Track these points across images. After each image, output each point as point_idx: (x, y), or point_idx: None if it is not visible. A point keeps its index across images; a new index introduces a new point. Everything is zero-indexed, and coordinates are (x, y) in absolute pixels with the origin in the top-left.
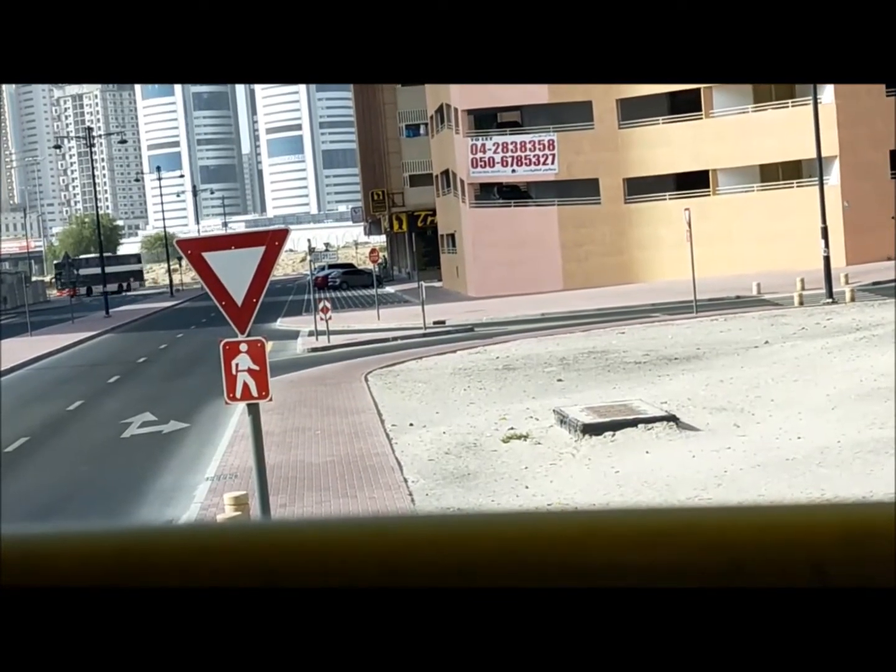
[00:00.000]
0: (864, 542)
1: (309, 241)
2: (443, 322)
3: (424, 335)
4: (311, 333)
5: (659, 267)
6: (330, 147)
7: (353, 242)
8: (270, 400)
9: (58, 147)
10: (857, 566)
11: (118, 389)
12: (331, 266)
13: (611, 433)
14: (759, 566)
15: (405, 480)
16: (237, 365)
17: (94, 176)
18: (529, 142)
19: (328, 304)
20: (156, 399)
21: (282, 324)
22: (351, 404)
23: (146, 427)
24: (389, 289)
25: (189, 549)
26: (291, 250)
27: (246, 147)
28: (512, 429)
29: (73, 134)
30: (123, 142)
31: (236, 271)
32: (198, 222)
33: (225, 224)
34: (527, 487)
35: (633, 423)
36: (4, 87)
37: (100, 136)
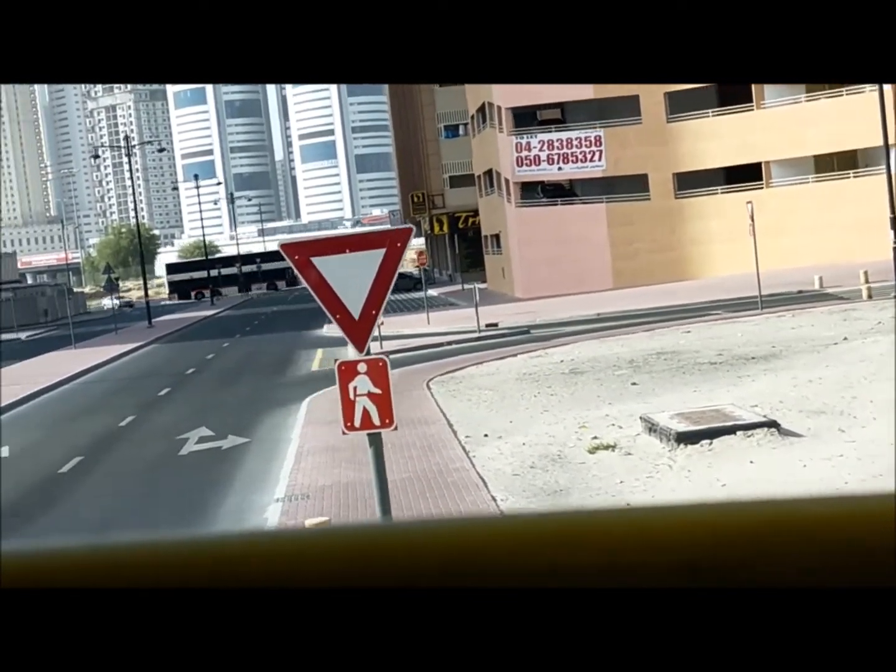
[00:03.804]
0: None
1: None
2: (495, 325)
3: (479, 339)
4: None
5: (711, 263)
6: (363, 151)
7: None
8: (395, 428)
9: (96, 157)
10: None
11: (170, 402)
12: None
13: (707, 441)
14: (767, 563)
15: (493, 498)
16: (355, 388)
17: (132, 185)
18: (575, 138)
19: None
20: (209, 412)
21: (328, 330)
22: (417, 414)
23: (204, 443)
24: (432, 292)
25: (189, 551)
26: None
27: (279, 154)
28: (596, 438)
29: (106, 144)
30: (162, 150)
31: (352, 279)
32: (234, 228)
33: (262, 231)
34: (628, 504)
35: (731, 430)
36: (38, 100)
37: (139, 144)
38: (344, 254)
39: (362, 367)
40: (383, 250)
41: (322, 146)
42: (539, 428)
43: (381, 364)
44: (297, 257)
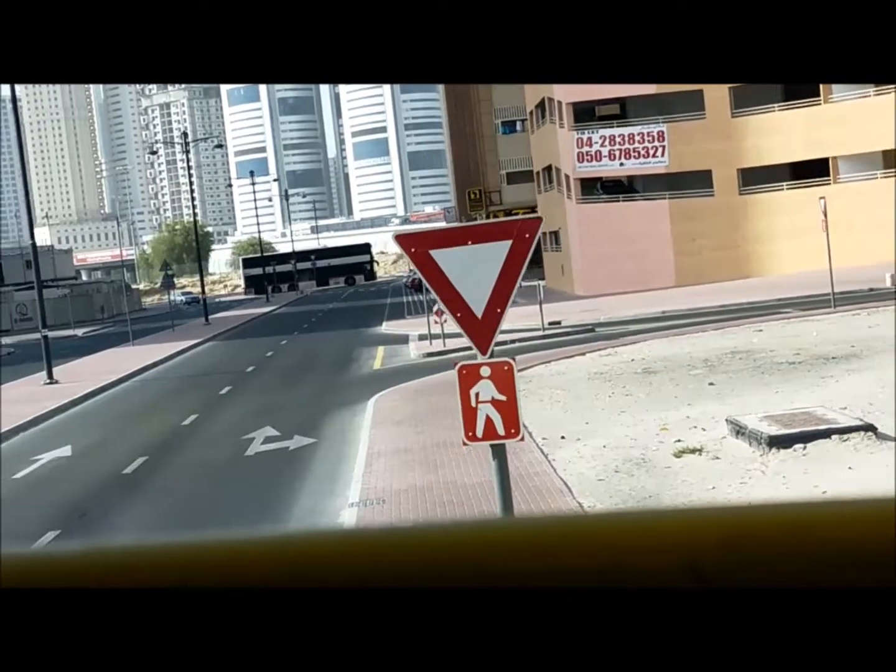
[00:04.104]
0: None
1: None
2: (558, 323)
3: (543, 337)
4: (421, 337)
5: (777, 260)
6: (416, 149)
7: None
8: (522, 439)
9: (153, 153)
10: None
11: (232, 401)
12: None
13: (801, 446)
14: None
15: (580, 505)
16: (477, 395)
17: (190, 181)
18: (638, 134)
19: (443, 308)
20: (273, 411)
21: (387, 328)
22: None
23: (270, 443)
24: None
25: (190, 552)
26: (382, 252)
27: (332, 151)
28: (679, 441)
29: (159, 142)
30: (220, 146)
31: (475, 273)
32: (289, 225)
33: (316, 228)
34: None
35: (826, 433)
36: (93, 97)
37: (196, 140)
38: (466, 246)
39: (485, 371)
40: (509, 242)
41: (375, 143)
42: (617, 430)
43: (506, 368)
44: (413, 250)
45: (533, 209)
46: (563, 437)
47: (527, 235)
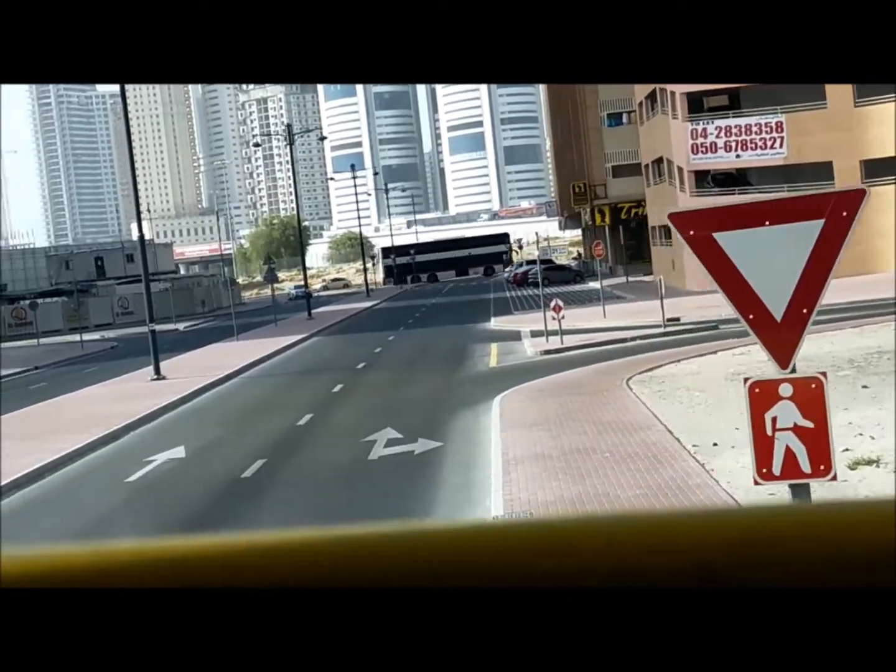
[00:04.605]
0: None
1: (537, 235)
2: (677, 319)
3: (665, 334)
4: (534, 334)
5: None
6: (511, 143)
7: (545, 238)
8: (834, 478)
9: (257, 145)
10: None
11: (345, 400)
12: (528, 262)
13: None
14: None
15: None
16: (774, 420)
17: (294, 174)
18: (755, 124)
19: (560, 303)
20: (390, 411)
21: (496, 324)
22: (627, 418)
23: (394, 446)
24: (595, 284)
25: (190, 552)
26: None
27: (427, 145)
28: (847, 450)
29: (262, 134)
30: (324, 138)
31: (774, 263)
32: (389, 218)
33: (415, 222)
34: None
35: None
36: (192, 93)
37: (300, 133)
38: (762, 227)
39: (786, 390)
40: (821, 222)
41: (470, 138)
42: None
43: (814, 386)
44: (691, 232)
45: (638, 203)
46: (715, 445)
47: (844, 213)
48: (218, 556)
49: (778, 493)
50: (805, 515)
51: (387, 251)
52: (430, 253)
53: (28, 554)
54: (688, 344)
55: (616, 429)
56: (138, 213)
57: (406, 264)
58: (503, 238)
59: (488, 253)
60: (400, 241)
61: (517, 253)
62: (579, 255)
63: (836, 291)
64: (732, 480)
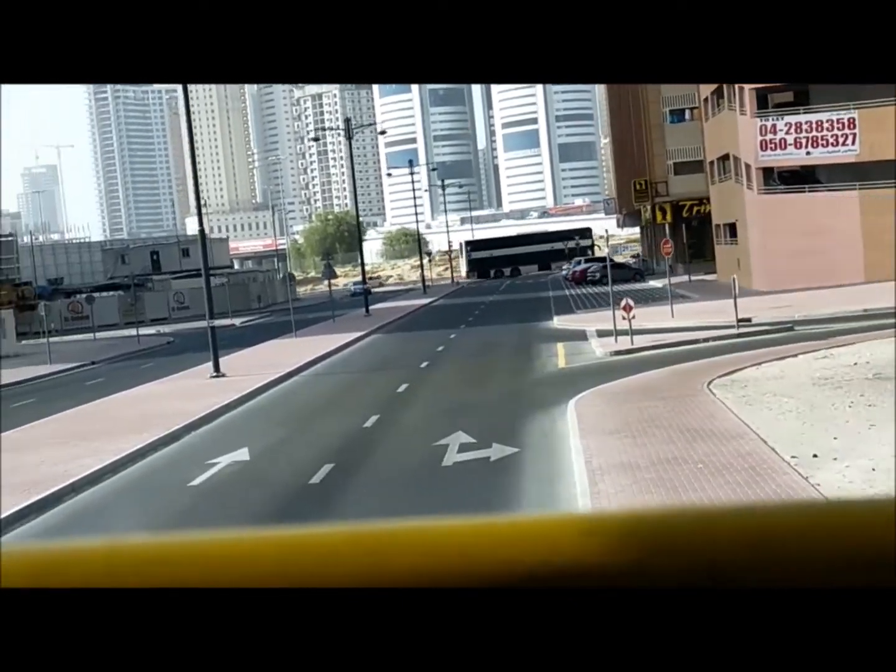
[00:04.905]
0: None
1: (606, 232)
2: (748, 320)
3: (739, 335)
4: (600, 333)
5: None
6: (566, 140)
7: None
8: None
9: (316, 139)
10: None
11: (411, 400)
12: (587, 260)
13: None
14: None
15: None
16: None
17: (353, 168)
18: (826, 121)
19: (631, 303)
20: (459, 413)
21: (559, 322)
22: (715, 425)
23: (467, 452)
24: (655, 283)
25: (190, 552)
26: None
27: (482, 142)
28: None
29: (317, 130)
30: (383, 132)
31: None
32: (446, 214)
33: (471, 219)
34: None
35: None
36: (247, 88)
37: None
38: None
39: None
40: None
41: (525, 135)
42: (877, 448)
43: None
44: None
45: (700, 201)
46: (815, 456)
47: None
48: (218, 556)
49: None
50: (805, 515)
51: (471, 245)
52: (513, 247)
53: (28, 553)
54: (763, 346)
55: (705, 437)
56: (199, 207)
57: (489, 258)
58: (587, 233)
59: (572, 248)
60: (455, 238)
61: (599, 248)
62: (637, 253)
63: None
64: (844, 497)
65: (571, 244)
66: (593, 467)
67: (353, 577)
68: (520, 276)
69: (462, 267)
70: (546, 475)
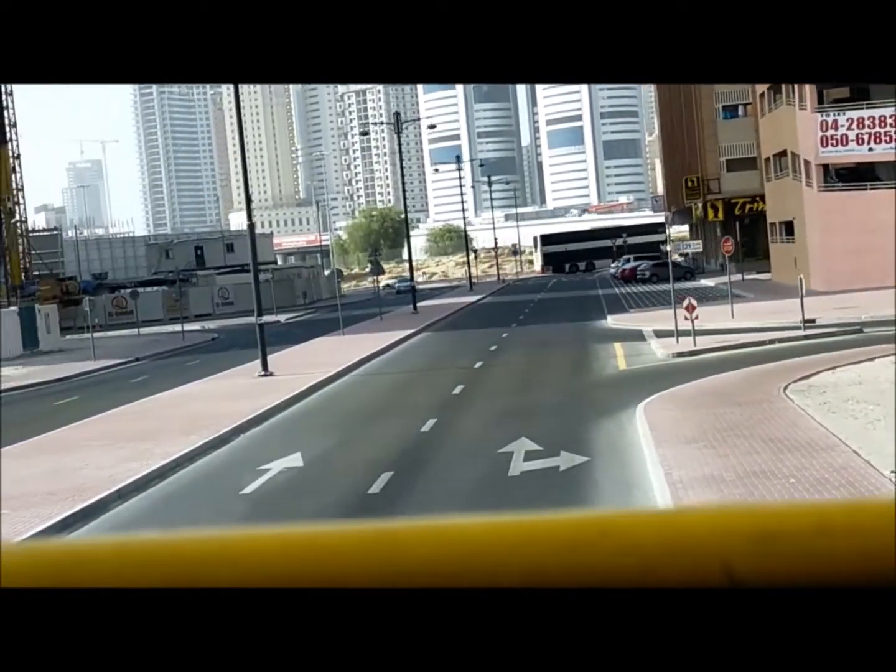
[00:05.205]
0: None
1: (666, 229)
2: (812, 321)
3: (806, 337)
4: (658, 334)
5: None
6: (611, 137)
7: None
8: None
9: (365, 133)
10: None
11: (469, 403)
12: (637, 258)
13: None
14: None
15: None
16: None
17: (401, 163)
18: (890, 116)
19: (694, 302)
20: (520, 417)
21: (613, 321)
22: (800, 435)
23: (534, 461)
24: (707, 282)
25: (190, 551)
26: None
27: (526, 139)
28: None
29: (366, 125)
30: (432, 126)
31: None
32: (492, 211)
33: (516, 216)
34: None
35: None
36: (291, 84)
37: (407, 122)
38: None
39: None
40: None
41: (569, 132)
42: None
43: None
44: None
45: (753, 198)
46: None
47: None
48: (218, 556)
49: None
50: (804, 515)
51: (545, 239)
52: (586, 241)
53: (28, 553)
54: (832, 349)
55: (792, 448)
56: (248, 202)
57: (563, 252)
58: (660, 227)
59: (647, 242)
60: (500, 235)
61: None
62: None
63: None
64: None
65: (648, 238)
66: (674, 480)
67: (360, 577)
68: (593, 271)
69: (536, 262)
70: (623, 487)
